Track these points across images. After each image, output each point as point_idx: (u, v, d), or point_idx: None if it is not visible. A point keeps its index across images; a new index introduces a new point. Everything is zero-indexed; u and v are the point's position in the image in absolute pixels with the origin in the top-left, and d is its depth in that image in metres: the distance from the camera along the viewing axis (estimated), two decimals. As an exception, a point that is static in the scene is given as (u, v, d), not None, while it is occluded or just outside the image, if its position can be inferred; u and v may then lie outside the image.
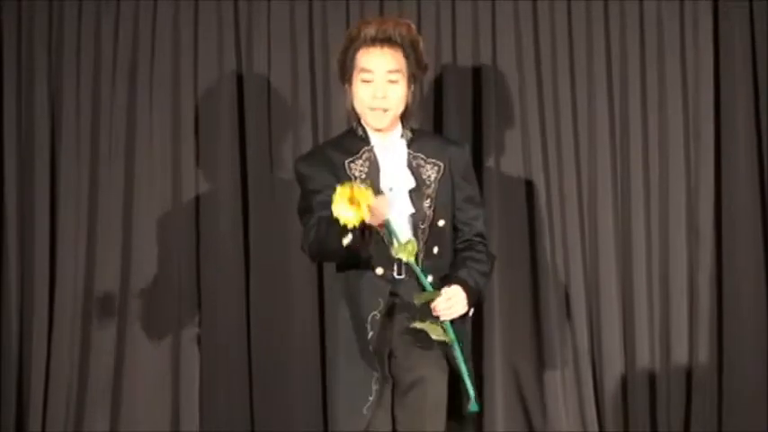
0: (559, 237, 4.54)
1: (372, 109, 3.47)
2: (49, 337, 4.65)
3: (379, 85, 3.46)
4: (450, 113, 4.55)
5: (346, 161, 3.49)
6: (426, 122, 4.51)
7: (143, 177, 4.66)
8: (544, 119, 4.57)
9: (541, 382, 4.52)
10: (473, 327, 4.48)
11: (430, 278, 3.40)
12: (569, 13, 4.57)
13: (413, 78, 3.53)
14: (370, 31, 3.49)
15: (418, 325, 3.38)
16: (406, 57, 3.49)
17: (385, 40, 3.48)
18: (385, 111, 3.48)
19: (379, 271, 3.44)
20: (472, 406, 3.37)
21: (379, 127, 3.51)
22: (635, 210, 4.54)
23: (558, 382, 4.50)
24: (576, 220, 4.54)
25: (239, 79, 4.66)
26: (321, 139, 4.55)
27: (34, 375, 4.63)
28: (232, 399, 4.58)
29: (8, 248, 4.66)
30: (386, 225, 3.31)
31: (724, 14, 4.51)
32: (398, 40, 3.49)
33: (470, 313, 3.47)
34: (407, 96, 3.51)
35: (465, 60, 4.58)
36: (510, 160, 4.56)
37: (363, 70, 3.47)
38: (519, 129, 4.56)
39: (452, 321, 3.39)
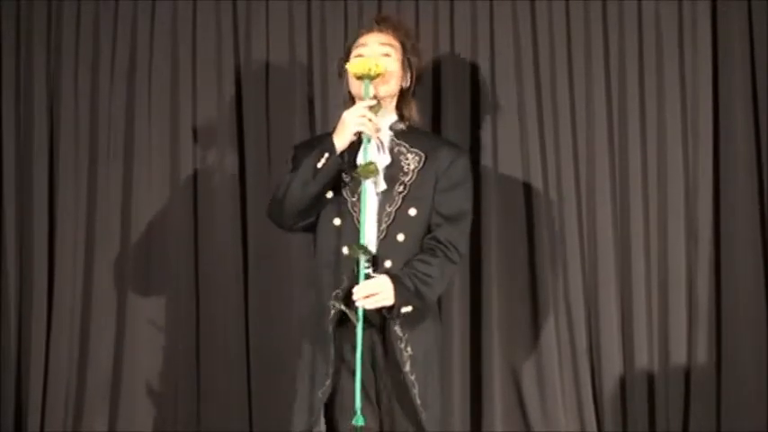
0: (558, 237, 4.54)
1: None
2: (48, 336, 4.66)
3: (372, 55, 3.60)
4: (448, 114, 4.55)
5: None
6: (425, 123, 4.51)
7: (141, 177, 4.67)
8: (542, 120, 4.56)
9: (540, 382, 4.51)
10: (472, 327, 4.52)
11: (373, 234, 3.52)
12: (567, 13, 4.57)
13: (408, 64, 3.68)
14: (370, 19, 3.75)
15: (338, 305, 3.47)
16: (401, 42, 3.67)
17: (381, 26, 3.68)
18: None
19: (345, 250, 3.51)
20: (357, 419, 3.42)
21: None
22: (633, 210, 4.53)
23: (557, 383, 4.49)
24: (574, 221, 4.54)
25: (238, 79, 4.67)
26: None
27: (33, 375, 4.64)
28: (231, 399, 4.58)
29: (7, 248, 4.67)
30: (365, 138, 3.50)
31: (722, 15, 4.50)
32: (394, 27, 3.69)
33: (404, 311, 3.49)
34: (401, 78, 3.65)
35: (463, 61, 4.58)
36: (508, 161, 4.55)
37: (358, 46, 3.65)
38: (517, 130, 4.55)
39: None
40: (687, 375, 4.49)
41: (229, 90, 4.66)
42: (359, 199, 3.55)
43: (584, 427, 4.48)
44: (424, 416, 3.51)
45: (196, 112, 4.68)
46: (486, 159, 4.55)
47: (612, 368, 4.50)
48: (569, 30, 4.57)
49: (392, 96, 3.67)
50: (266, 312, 4.60)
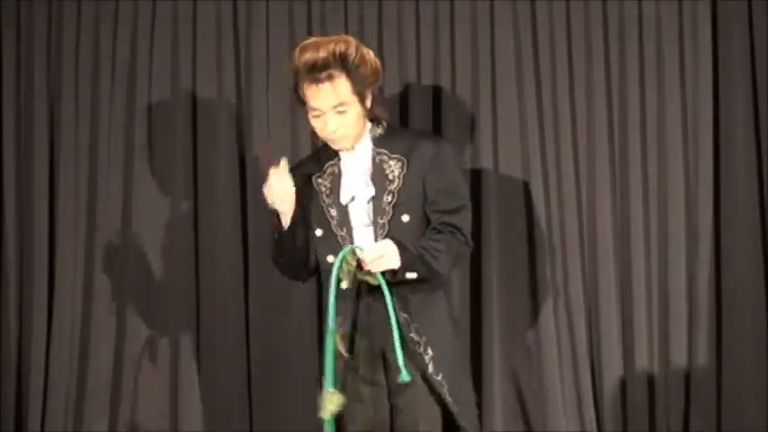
0: (558, 239, 4.54)
1: (327, 139, 3.54)
2: (48, 337, 4.65)
3: (329, 119, 3.48)
4: (448, 114, 4.55)
5: (314, 176, 3.60)
6: (425, 125, 4.52)
7: (142, 177, 4.66)
8: (543, 120, 4.56)
9: (540, 382, 4.51)
10: (472, 327, 4.52)
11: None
12: (568, 13, 4.57)
13: (365, 92, 3.50)
14: (307, 62, 3.44)
15: (358, 275, 3.44)
16: (351, 78, 3.44)
17: (323, 72, 3.42)
18: (340, 138, 3.52)
19: (344, 285, 3.48)
20: (403, 376, 3.37)
21: (342, 149, 3.56)
22: (634, 210, 4.53)
23: (557, 383, 4.49)
24: (574, 221, 4.54)
25: (238, 79, 4.67)
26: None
27: (33, 375, 4.63)
28: (232, 399, 4.58)
29: (7, 249, 4.66)
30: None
31: (722, 15, 4.50)
32: (338, 65, 3.42)
33: (409, 275, 3.44)
34: (363, 112, 3.52)
35: (463, 62, 4.57)
36: (508, 163, 4.55)
37: (311, 108, 3.49)
38: (517, 130, 4.55)
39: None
40: (687, 375, 4.49)
41: (229, 90, 4.65)
42: (348, 232, 3.53)
43: (584, 427, 4.48)
44: (456, 410, 3.49)
45: (196, 111, 4.67)
46: (486, 160, 4.54)
47: (612, 368, 4.50)
48: (570, 30, 4.57)
49: (361, 131, 3.56)
50: (266, 313, 4.60)
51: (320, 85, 3.43)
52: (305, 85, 3.46)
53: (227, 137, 4.64)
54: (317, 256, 3.61)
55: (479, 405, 4.47)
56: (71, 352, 4.64)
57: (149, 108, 4.68)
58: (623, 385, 4.50)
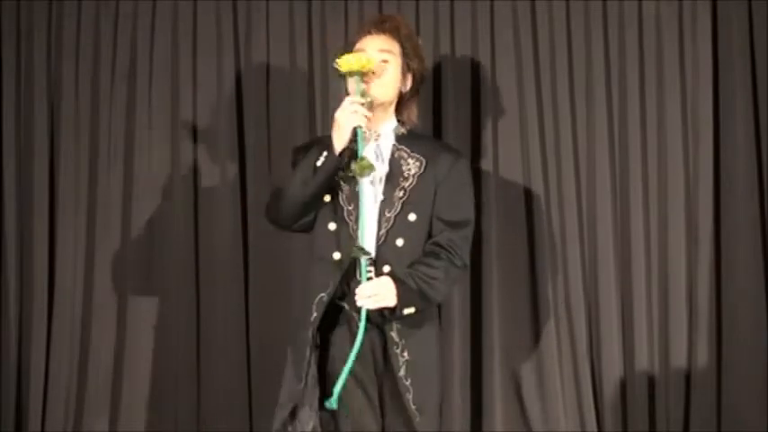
0: (558, 238, 4.54)
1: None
2: (48, 337, 4.66)
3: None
4: (448, 116, 4.55)
5: None
6: (424, 125, 4.50)
7: (141, 177, 4.67)
8: (543, 121, 4.56)
9: (540, 383, 4.51)
10: (473, 327, 4.52)
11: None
12: (568, 13, 4.57)
13: (408, 69, 3.62)
14: (369, 21, 3.68)
15: (344, 305, 3.48)
16: (402, 46, 3.61)
17: (380, 29, 3.61)
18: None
19: (337, 255, 3.50)
20: (332, 402, 3.41)
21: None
22: (633, 211, 4.53)
23: (557, 383, 4.50)
24: (574, 222, 4.54)
25: (238, 79, 4.67)
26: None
27: (33, 375, 4.64)
28: (231, 399, 4.58)
29: (7, 249, 4.67)
30: (356, 132, 3.46)
31: (722, 15, 4.50)
32: (394, 30, 3.62)
33: (407, 312, 3.46)
34: (399, 83, 3.60)
35: (464, 62, 4.58)
36: (508, 164, 4.55)
37: (357, 51, 3.58)
38: (518, 131, 4.56)
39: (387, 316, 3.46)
40: (687, 376, 4.49)
41: (229, 90, 4.66)
42: (355, 207, 3.52)
43: (585, 428, 4.49)
44: (418, 420, 3.50)
45: (196, 112, 4.68)
46: (486, 161, 4.55)
47: (613, 369, 4.50)
48: (570, 30, 4.58)
49: (390, 102, 3.63)
50: (266, 312, 4.60)
51: (375, 34, 3.61)
52: (360, 39, 3.63)
53: (227, 136, 4.64)
54: (317, 219, 3.59)
55: (479, 405, 4.51)
56: (71, 352, 4.65)
57: (149, 108, 4.68)
58: (623, 385, 4.50)
